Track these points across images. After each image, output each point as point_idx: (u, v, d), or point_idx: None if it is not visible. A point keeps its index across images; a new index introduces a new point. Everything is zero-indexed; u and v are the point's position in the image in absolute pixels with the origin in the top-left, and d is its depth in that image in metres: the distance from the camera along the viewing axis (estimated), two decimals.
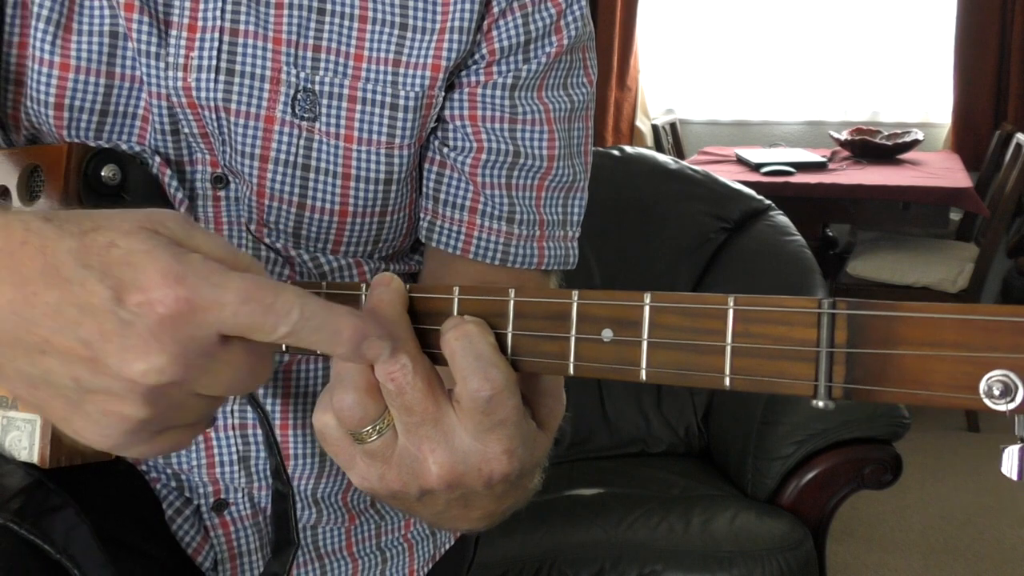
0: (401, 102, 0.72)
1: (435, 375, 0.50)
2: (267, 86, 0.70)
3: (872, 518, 2.80)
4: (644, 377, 0.45)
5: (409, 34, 0.72)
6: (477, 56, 0.73)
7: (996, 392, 0.37)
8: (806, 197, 3.35)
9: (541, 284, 0.80)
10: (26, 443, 0.67)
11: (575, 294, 0.48)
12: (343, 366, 0.50)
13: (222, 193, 0.73)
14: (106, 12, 0.68)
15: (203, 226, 0.70)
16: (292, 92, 0.70)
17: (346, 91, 0.71)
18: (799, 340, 0.41)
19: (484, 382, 0.48)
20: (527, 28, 0.74)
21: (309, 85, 0.70)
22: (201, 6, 0.69)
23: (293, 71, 0.70)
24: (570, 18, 0.75)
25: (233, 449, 0.78)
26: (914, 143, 3.86)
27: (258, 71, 0.70)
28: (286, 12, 0.70)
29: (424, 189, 0.78)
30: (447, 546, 0.91)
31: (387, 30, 0.71)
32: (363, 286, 0.54)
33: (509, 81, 0.74)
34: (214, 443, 0.78)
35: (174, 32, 0.69)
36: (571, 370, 0.48)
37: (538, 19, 0.74)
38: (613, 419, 2.17)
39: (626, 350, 0.46)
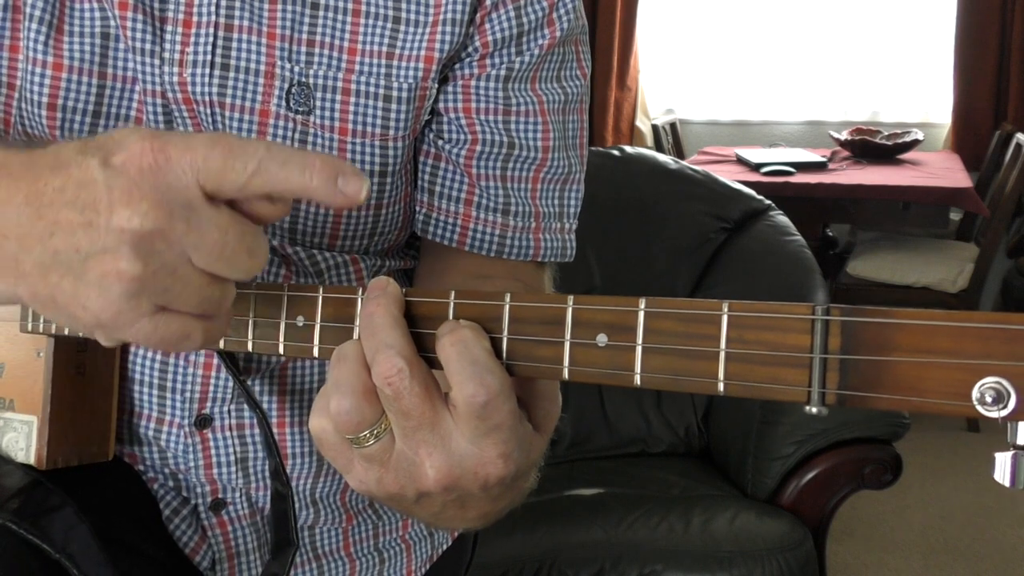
0: (395, 94, 0.72)
1: (432, 379, 0.50)
2: (261, 80, 0.70)
3: (872, 518, 2.80)
4: (638, 382, 0.45)
5: (402, 27, 0.72)
6: (470, 49, 0.74)
7: (989, 399, 0.37)
8: (806, 197, 3.35)
9: (537, 276, 0.80)
10: (23, 444, 0.67)
11: (570, 299, 0.48)
12: (339, 371, 0.50)
13: None
14: (96, 13, 0.69)
15: None
16: (286, 86, 0.71)
17: (340, 84, 0.71)
18: (793, 346, 0.41)
19: (479, 387, 0.48)
20: (520, 21, 0.74)
21: (303, 79, 0.71)
22: (196, 1, 0.69)
23: (287, 65, 0.70)
24: (562, 11, 0.75)
25: (231, 450, 0.78)
26: (914, 143, 3.86)
27: (252, 65, 0.70)
28: (280, 7, 0.70)
29: (419, 182, 0.78)
30: (445, 546, 0.91)
31: (380, 23, 0.72)
32: (359, 290, 0.54)
33: (502, 73, 0.74)
34: (211, 444, 0.78)
35: (169, 28, 0.69)
36: (566, 375, 0.48)
37: (530, 12, 0.74)
38: (613, 419, 2.17)
39: (620, 355, 0.46)
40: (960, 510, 2.88)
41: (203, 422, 0.77)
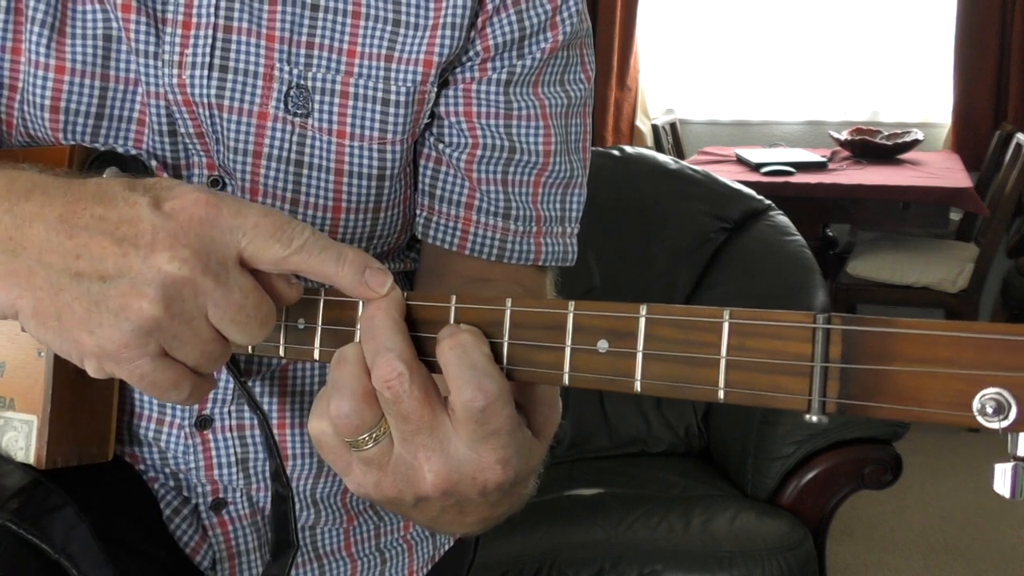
0: (393, 97, 0.72)
1: (432, 383, 0.50)
2: (260, 82, 0.70)
3: (872, 518, 2.80)
4: (639, 389, 0.45)
5: (402, 30, 0.72)
6: (472, 52, 0.74)
7: (989, 410, 0.37)
8: (806, 197, 3.35)
9: (538, 280, 0.80)
10: (23, 443, 0.67)
11: (571, 304, 0.48)
12: (340, 374, 0.50)
13: None
14: (99, 16, 0.69)
15: None
16: (285, 88, 0.70)
17: (339, 87, 0.71)
18: (794, 354, 0.41)
19: (478, 392, 0.48)
20: (521, 24, 0.74)
21: (302, 81, 0.71)
22: (195, 3, 0.69)
23: (286, 67, 0.70)
24: (565, 14, 0.75)
25: (231, 451, 0.78)
26: (914, 143, 3.86)
27: (251, 68, 0.70)
28: (279, 9, 0.70)
29: (420, 185, 0.78)
30: (446, 547, 0.91)
31: (380, 26, 0.71)
32: None
33: (504, 77, 0.74)
34: (212, 445, 0.78)
35: (168, 29, 0.69)
36: (566, 380, 0.48)
37: (533, 15, 0.74)
38: (613, 419, 2.17)
39: (621, 361, 0.46)
40: (960, 510, 2.88)
41: (203, 423, 0.77)
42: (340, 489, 0.83)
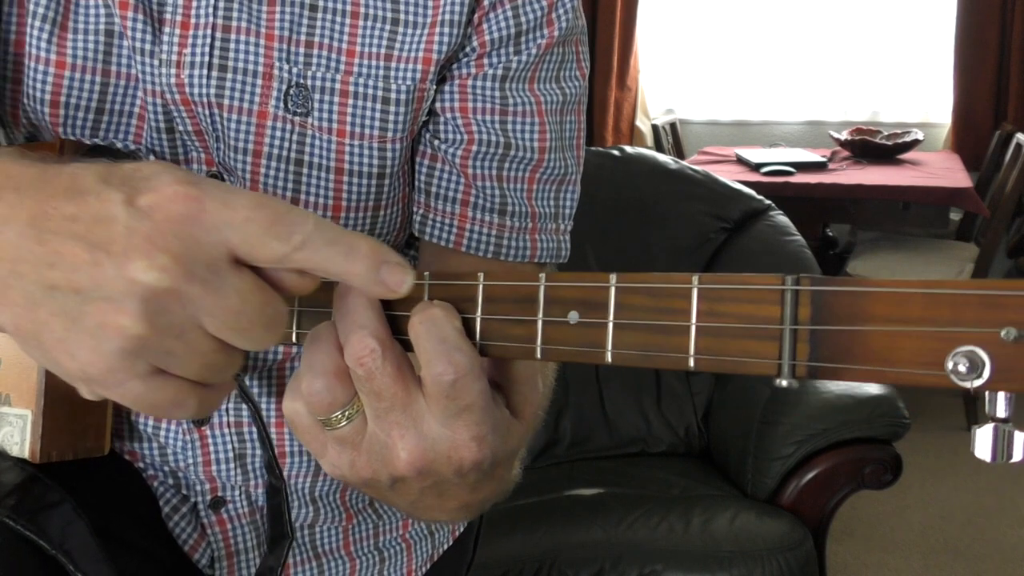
0: (393, 96, 0.72)
1: (406, 361, 0.49)
2: (259, 82, 0.70)
3: (872, 518, 2.80)
4: (610, 359, 0.45)
5: (401, 28, 0.72)
6: (468, 48, 0.73)
7: (962, 368, 0.35)
8: (806, 197, 3.35)
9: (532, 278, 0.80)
10: (17, 438, 0.67)
11: (542, 276, 0.47)
12: (312, 352, 0.50)
13: None
14: (101, 11, 0.69)
15: None
16: (284, 88, 0.70)
17: (338, 86, 0.71)
18: (763, 318, 0.40)
19: (448, 366, 0.47)
20: (518, 20, 0.74)
21: (301, 80, 0.70)
22: (194, 3, 0.69)
23: (285, 67, 0.70)
24: (561, 11, 0.75)
25: (229, 447, 0.78)
26: (914, 143, 3.86)
27: (250, 67, 0.70)
28: (278, 8, 0.70)
29: (416, 183, 0.78)
30: (446, 546, 0.91)
31: (379, 25, 0.71)
32: None
33: (500, 73, 0.74)
34: (210, 440, 0.78)
35: (167, 29, 0.69)
36: (538, 354, 0.47)
37: (529, 11, 0.74)
38: (613, 419, 2.17)
39: (592, 332, 0.45)
40: (960, 510, 2.88)
41: (201, 420, 0.77)
42: (338, 487, 0.83)
